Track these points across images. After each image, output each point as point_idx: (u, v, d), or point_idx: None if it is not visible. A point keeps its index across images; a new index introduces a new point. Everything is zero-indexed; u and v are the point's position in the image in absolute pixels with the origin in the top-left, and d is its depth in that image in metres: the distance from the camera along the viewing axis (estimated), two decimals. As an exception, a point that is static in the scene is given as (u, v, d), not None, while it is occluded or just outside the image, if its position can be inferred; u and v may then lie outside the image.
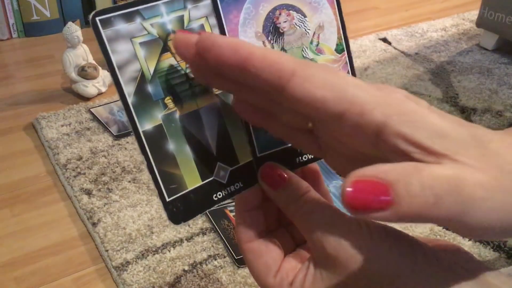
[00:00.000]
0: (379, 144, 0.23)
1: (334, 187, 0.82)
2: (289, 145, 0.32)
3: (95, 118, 1.02)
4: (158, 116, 0.28)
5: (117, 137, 0.96)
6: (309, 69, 0.24)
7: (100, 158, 0.91)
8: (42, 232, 0.77)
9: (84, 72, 1.08)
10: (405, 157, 0.23)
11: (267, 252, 0.30)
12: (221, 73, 0.25)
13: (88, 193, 0.83)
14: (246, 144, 0.31)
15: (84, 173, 0.87)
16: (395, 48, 1.33)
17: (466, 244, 0.72)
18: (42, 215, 0.80)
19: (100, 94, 1.11)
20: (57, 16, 1.43)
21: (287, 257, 0.30)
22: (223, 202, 0.31)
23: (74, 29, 1.06)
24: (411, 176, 0.21)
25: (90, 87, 1.09)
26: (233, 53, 0.24)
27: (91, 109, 1.04)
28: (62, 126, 1.00)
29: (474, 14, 1.42)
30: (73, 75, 1.09)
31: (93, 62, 1.11)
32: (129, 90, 0.27)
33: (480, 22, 1.29)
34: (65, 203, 0.83)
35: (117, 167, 0.89)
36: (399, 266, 0.25)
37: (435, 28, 1.44)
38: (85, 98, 1.09)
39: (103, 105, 1.06)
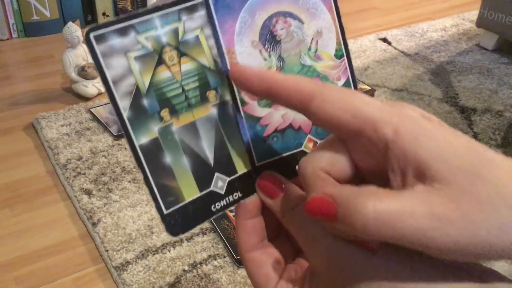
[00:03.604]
0: (386, 161, 0.25)
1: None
2: (288, 153, 0.32)
3: (95, 118, 1.02)
4: (154, 129, 0.28)
5: (117, 137, 0.96)
6: (327, 91, 0.26)
7: (100, 158, 0.91)
8: (42, 232, 0.77)
9: (84, 72, 1.08)
10: (402, 175, 0.24)
11: (267, 263, 0.30)
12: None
13: (88, 193, 0.83)
14: (244, 154, 0.31)
15: (84, 173, 0.87)
16: (395, 48, 1.33)
17: (466, 244, 0.72)
18: (42, 215, 0.80)
19: (100, 94, 1.11)
20: (57, 16, 1.43)
21: (287, 267, 0.30)
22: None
23: (74, 29, 1.06)
24: (363, 203, 0.23)
25: (90, 87, 1.09)
26: (259, 82, 0.27)
27: (91, 109, 1.04)
28: (62, 126, 1.00)
29: (474, 14, 1.42)
30: (73, 75, 1.09)
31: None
32: (124, 104, 0.27)
33: (480, 22, 1.29)
34: (65, 203, 0.83)
35: (117, 167, 0.89)
36: (397, 275, 0.25)
37: (435, 28, 1.44)
38: (85, 98, 1.09)
39: (103, 105, 1.06)
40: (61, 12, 1.44)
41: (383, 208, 0.23)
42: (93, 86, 1.09)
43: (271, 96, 0.27)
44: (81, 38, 1.08)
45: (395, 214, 0.23)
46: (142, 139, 0.28)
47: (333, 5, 0.32)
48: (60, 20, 1.44)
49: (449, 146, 0.24)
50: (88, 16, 1.48)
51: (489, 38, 1.30)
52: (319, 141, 0.32)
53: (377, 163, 0.25)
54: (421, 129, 0.24)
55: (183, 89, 0.29)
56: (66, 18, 1.42)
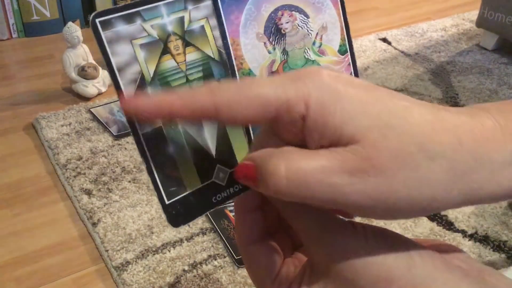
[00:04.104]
0: (306, 136, 0.24)
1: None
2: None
3: (95, 118, 1.02)
4: None
5: (117, 137, 0.96)
6: (226, 95, 0.24)
7: (100, 158, 0.91)
8: (42, 232, 0.77)
9: (84, 72, 1.08)
10: (320, 145, 0.24)
11: (266, 256, 0.30)
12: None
13: (88, 193, 0.83)
14: (245, 146, 0.31)
15: (84, 173, 0.87)
16: (395, 48, 1.33)
17: (466, 244, 0.72)
18: (42, 215, 0.80)
19: (100, 94, 1.11)
20: (57, 16, 1.43)
21: (286, 261, 0.30)
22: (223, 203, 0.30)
23: (74, 29, 1.06)
24: (275, 162, 0.23)
25: (90, 87, 1.09)
26: (158, 110, 0.25)
27: (91, 109, 1.04)
28: (62, 126, 1.00)
29: (474, 14, 1.42)
30: (73, 75, 1.09)
31: (93, 62, 1.11)
32: (128, 92, 0.27)
33: (480, 22, 1.29)
34: (65, 203, 0.83)
35: (117, 167, 0.89)
36: (396, 270, 0.25)
37: (435, 28, 1.44)
38: (85, 98, 1.09)
39: (103, 105, 1.06)
40: (61, 12, 1.44)
41: (295, 167, 0.23)
42: (93, 86, 1.09)
43: (174, 119, 0.26)
44: (81, 38, 1.08)
45: (307, 172, 0.22)
46: (145, 128, 0.28)
47: (339, 0, 0.32)
48: (60, 20, 1.43)
49: (358, 105, 0.23)
50: (88, 16, 1.48)
51: (489, 38, 1.30)
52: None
53: (302, 139, 0.25)
54: (329, 96, 0.23)
55: (187, 79, 0.29)
56: (66, 18, 1.42)
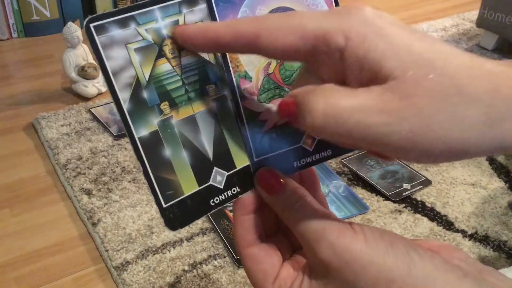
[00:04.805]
0: (344, 70, 0.24)
1: (334, 187, 0.82)
2: (287, 149, 0.32)
3: (95, 118, 1.02)
4: (154, 122, 0.28)
5: (117, 137, 0.96)
6: (268, 23, 0.25)
7: (100, 158, 0.91)
8: (42, 232, 0.77)
9: (84, 72, 1.08)
10: (359, 81, 0.24)
11: (265, 259, 0.30)
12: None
13: (88, 193, 0.83)
14: (242, 149, 0.31)
15: (84, 173, 0.87)
16: (395, 48, 1.33)
17: (466, 244, 0.72)
18: (42, 215, 0.80)
19: (100, 94, 1.11)
20: (57, 16, 1.43)
21: (285, 264, 0.30)
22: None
23: (74, 29, 1.06)
24: (314, 99, 0.23)
25: (90, 87, 1.09)
26: (204, 38, 0.26)
27: (91, 109, 1.04)
28: (62, 126, 1.00)
29: (474, 14, 1.42)
30: (73, 75, 1.09)
31: (93, 62, 1.11)
32: (124, 96, 0.27)
33: (480, 22, 1.29)
34: (65, 203, 0.83)
35: (117, 167, 0.89)
36: (395, 270, 0.25)
37: (435, 28, 1.44)
38: (85, 98, 1.09)
39: (103, 105, 1.06)
40: (61, 12, 1.44)
41: (333, 104, 0.23)
42: (93, 86, 1.09)
43: (219, 48, 0.27)
44: (81, 38, 1.08)
45: (345, 110, 0.22)
46: (141, 132, 0.28)
47: (333, 1, 0.32)
48: (60, 20, 1.43)
49: (401, 42, 0.23)
50: (88, 16, 1.48)
51: (489, 38, 1.30)
52: (317, 137, 0.32)
53: (341, 75, 0.25)
54: (371, 30, 0.23)
55: (183, 82, 0.29)
56: (66, 18, 1.42)
